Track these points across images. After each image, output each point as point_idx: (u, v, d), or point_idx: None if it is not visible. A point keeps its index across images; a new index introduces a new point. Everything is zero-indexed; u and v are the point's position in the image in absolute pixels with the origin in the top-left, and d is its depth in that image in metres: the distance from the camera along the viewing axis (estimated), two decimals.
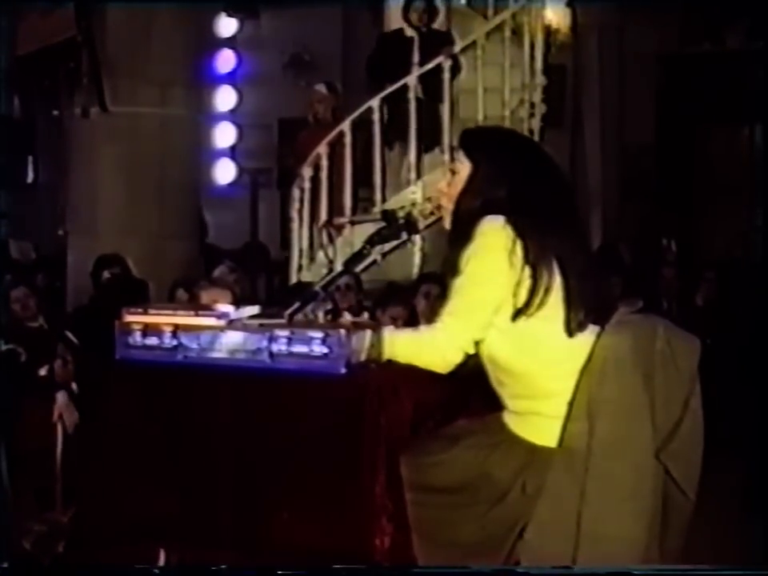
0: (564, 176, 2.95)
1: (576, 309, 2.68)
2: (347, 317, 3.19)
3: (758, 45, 9.45)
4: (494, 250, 2.65)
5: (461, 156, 2.85)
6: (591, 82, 10.31)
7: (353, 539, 2.78)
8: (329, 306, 3.77)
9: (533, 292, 2.64)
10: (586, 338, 2.68)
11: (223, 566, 2.82)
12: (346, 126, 7.15)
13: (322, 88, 7.85)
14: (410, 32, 7.52)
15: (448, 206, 2.84)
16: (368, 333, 2.79)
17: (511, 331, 2.69)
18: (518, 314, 2.66)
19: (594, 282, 2.77)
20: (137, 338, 2.98)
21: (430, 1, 7.58)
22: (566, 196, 2.87)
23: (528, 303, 2.64)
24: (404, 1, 7.66)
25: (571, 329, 2.68)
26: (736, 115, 10.31)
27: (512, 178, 2.75)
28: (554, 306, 2.67)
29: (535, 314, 2.65)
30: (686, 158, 10.45)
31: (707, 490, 2.79)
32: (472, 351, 2.73)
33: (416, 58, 7.37)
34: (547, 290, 2.65)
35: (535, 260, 2.64)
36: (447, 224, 2.85)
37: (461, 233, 2.73)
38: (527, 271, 2.64)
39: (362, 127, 7.19)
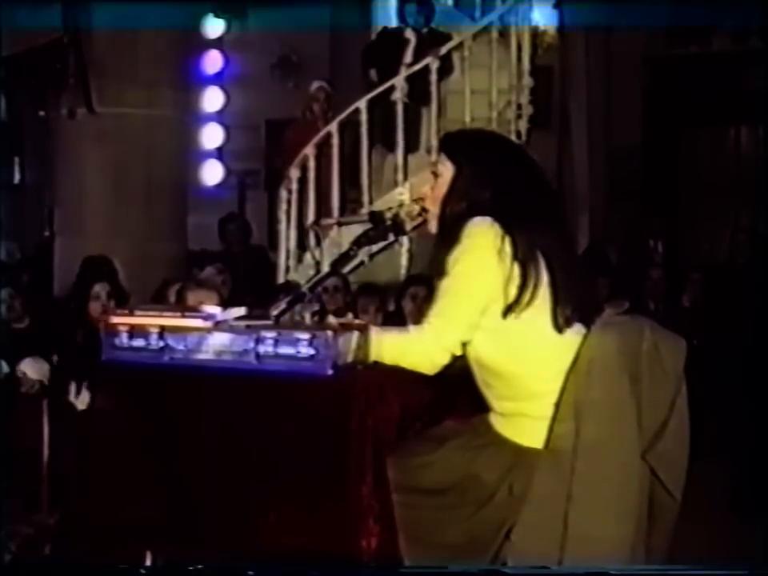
0: (545, 175, 2.96)
1: (563, 304, 2.69)
2: (332, 319, 3.18)
3: (745, 47, 9.48)
4: (481, 250, 2.66)
5: (443, 159, 2.86)
6: (578, 84, 10.31)
7: (339, 540, 2.77)
8: (316, 308, 3.76)
9: (522, 287, 2.65)
10: (573, 339, 2.68)
11: (210, 567, 2.81)
12: (333, 127, 7.15)
13: (324, 85, 7.82)
14: (408, 33, 7.50)
15: (433, 209, 2.86)
16: (355, 334, 2.79)
17: (498, 333, 2.70)
18: (508, 309, 2.67)
19: (580, 278, 2.78)
20: (123, 339, 2.97)
21: (425, 1, 7.55)
22: (549, 195, 2.90)
23: (518, 299, 2.66)
24: (398, 2, 7.66)
25: (559, 324, 2.69)
26: (723, 117, 10.32)
27: (495, 179, 2.77)
28: (541, 305, 2.68)
29: (523, 312, 2.66)
30: (672, 159, 10.45)
31: (693, 490, 2.80)
32: (459, 353, 2.74)
33: (408, 58, 7.35)
34: (536, 286, 2.66)
35: (523, 256, 2.66)
36: (433, 228, 2.86)
37: (448, 234, 2.74)
38: (516, 268, 2.65)
39: (349, 128, 7.18)
